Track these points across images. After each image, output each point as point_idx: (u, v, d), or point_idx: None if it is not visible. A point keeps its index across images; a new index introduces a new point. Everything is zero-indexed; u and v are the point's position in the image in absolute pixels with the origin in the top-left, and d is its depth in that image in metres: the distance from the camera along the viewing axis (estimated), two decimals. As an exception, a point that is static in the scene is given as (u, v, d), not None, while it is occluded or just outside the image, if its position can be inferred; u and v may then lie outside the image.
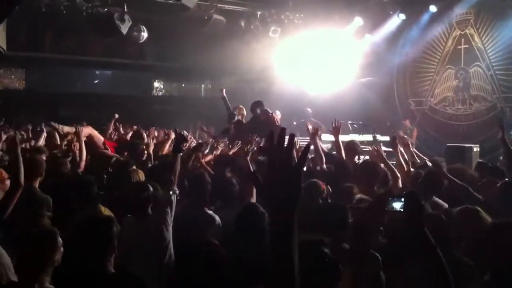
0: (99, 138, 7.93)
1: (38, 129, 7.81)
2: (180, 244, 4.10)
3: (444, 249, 3.09)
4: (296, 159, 1.65)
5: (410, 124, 13.26)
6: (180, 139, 4.69)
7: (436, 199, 4.86)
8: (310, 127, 6.94)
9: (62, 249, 3.16)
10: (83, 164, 6.32)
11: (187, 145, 6.49)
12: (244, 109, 10.35)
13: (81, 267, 3.21)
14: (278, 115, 9.67)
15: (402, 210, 2.63)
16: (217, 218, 4.63)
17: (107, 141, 8.16)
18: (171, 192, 4.25)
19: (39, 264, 3.06)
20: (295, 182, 1.62)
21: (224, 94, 10.83)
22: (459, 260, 3.42)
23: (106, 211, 4.50)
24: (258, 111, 9.68)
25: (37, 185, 4.92)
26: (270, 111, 9.61)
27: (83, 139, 6.62)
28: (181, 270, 3.73)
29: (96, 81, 18.94)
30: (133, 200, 4.34)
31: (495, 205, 4.42)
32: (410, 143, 7.69)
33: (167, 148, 7.68)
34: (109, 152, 7.31)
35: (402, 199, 2.63)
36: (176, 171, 4.38)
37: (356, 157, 7.85)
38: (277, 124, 9.12)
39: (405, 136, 11.85)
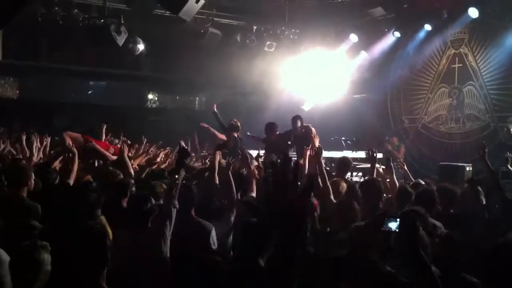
0: (77, 136, 8.05)
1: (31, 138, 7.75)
2: (178, 258, 4.08)
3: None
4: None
5: (398, 142, 13.29)
6: (184, 154, 4.67)
7: (432, 220, 4.78)
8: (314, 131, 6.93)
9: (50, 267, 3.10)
10: (74, 175, 6.27)
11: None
12: (239, 123, 10.32)
13: (73, 281, 3.16)
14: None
15: (397, 230, 2.63)
16: (211, 226, 4.62)
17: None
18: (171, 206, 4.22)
19: (29, 280, 3.00)
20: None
21: (215, 109, 10.79)
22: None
23: (105, 223, 4.43)
24: (299, 124, 9.63)
25: (25, 194, 4.85)
26: (310, 125, 9.49)
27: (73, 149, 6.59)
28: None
29: (90, 91, 18.87)
30: (134, 212, 4.32)
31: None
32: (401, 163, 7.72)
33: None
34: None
35: (398, 220, 2.63)
36: (178, 185, 4.35)
37: (349, 173, 7.88)
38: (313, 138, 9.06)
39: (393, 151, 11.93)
